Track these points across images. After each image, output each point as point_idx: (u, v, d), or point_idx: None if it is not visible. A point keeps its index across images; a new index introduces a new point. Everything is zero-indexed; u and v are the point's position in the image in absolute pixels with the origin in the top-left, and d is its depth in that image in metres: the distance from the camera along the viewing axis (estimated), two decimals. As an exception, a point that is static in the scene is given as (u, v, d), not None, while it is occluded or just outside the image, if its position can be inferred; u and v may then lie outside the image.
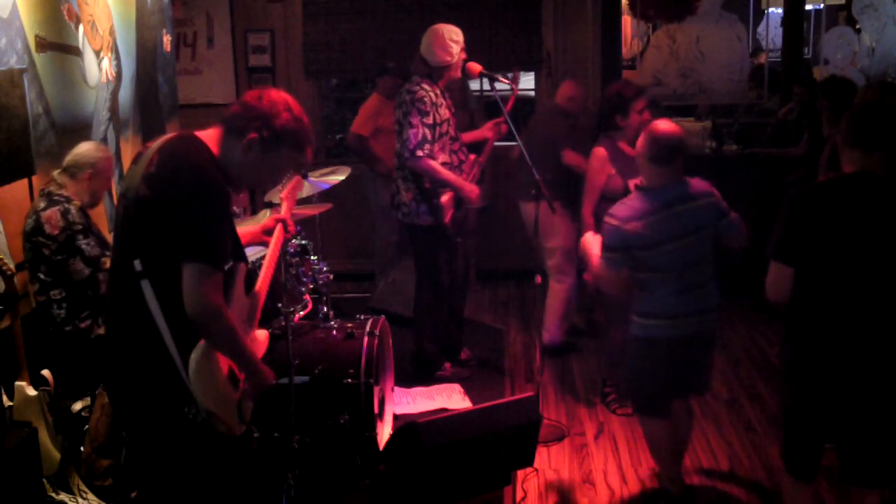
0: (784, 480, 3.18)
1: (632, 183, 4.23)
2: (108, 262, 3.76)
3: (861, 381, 2.86)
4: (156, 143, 2.50)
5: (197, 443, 2.49)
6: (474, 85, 7.15)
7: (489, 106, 7.20)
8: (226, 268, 2.44)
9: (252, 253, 3.80)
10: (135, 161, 2.52)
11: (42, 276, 3.75)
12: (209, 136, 2.52)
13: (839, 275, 2.84)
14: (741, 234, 3.51)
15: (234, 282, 2.56)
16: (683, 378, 3.58)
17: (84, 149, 3.95)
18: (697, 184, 3.50)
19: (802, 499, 3.09)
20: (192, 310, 2.32)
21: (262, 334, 2.74)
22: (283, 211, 3.04)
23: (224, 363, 2.49)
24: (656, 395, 3.56)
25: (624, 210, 3.42)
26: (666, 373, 3.50)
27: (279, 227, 2.96)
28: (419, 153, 4.62)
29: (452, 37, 4.72)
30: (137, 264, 2.39)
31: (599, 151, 4.34)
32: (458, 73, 4.83)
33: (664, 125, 3.48)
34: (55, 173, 3.90)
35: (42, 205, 3.77)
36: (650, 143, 3.42)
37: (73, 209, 3.79)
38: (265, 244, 2.98)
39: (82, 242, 3.76)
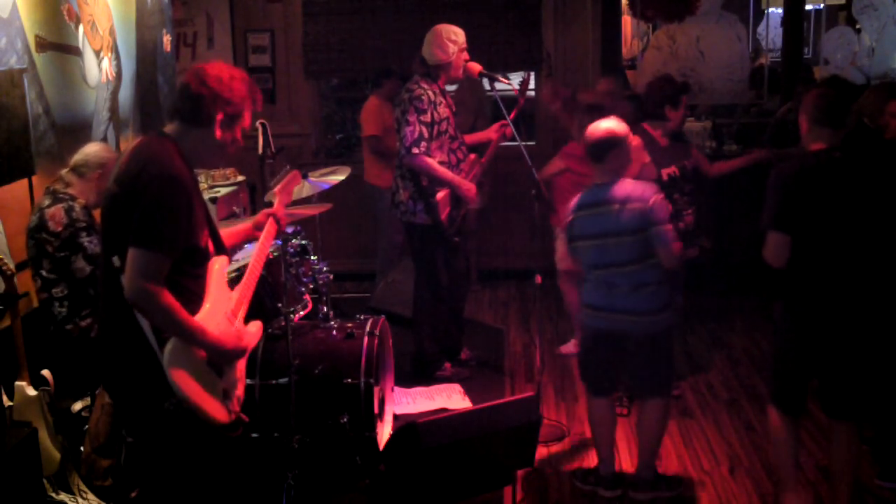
0: (771, 416, 3.55)
1: (665, 172, 4.27)
2: None
3: (844, 326, 3.31)
4: (129, 146, 2.62)
5: (180, 433, 2.54)
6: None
7: (490, 105, 7.20)
8: (176, 254, 2.47)
9: (246, 255, 3.80)
10: (115, 164, 2.62)
11: (44, 273, 3.76)
12: (171, 131, 2.62)
13: (826, 236, 3.28)
14: (668, 251, 3.57)
15: (214, 274, 2.62)
16: (620, 371, 3.83)
17: (94, 149, 3.96)
18: (630, 187, 3.60)
19: (786, 431, 3.50)
20: (127, 293, 2.41)
21: (254, 326, 2.78)
22: (276, 206, 3.06)
23: (203, 353, 2.53)
24: (595, 377, 3.84)
25: (572, 202, 3.72)
26: (601, 359, 3.79)
27: (270, 221, 2.98)
28: (415, 150, 4.63)
29: (450, 36, 4.73)
30: (115, 260, 2.47)
31: (635, 140, 4.42)
32: (459, 73, 4.85)
33: (601, 124, 3.67)
34: (63, 172, 3.91)
35: (47, 202, 3.79)
36: (586, 141, 3.67)
37: (77, 207, 3.80)
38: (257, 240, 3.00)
39: (85, 240, 3.77)
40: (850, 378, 3.37)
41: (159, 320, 2.44)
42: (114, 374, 2.59)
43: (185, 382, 2.45)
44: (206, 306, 2.56)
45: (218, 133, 2.59)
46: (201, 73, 2.57)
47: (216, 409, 2.54)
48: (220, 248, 2.72)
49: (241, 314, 2.73)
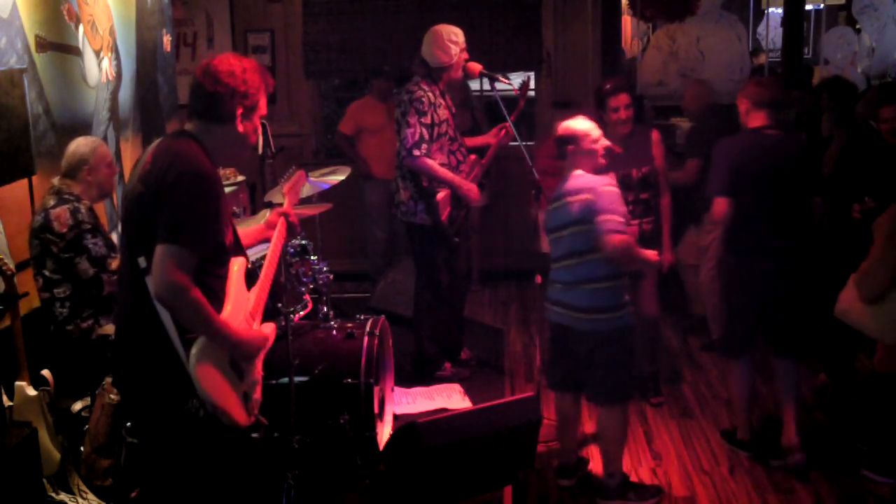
0: (731, 369, 4.15)
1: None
2: (113, 263, 3.77)
3: (774, 274, 3.89)
4: (152, 145, 2.60)
5: (202, 436, 2.53)
6: (474, 84, 7.16)
7: (490, 105, 7.21)
8: (205, 250, 2.46)
9: (254, 252, 3.80)
10: (135, 165, 2.61)
11: (47, 273, 3.75)
12: (192, 130, 2.61)
13: (762, 197, 3.86)
14: (603, 241, 3.51)
15: (233, 275, 2.61)
16: (574, 369, 3.79)
17: (73, 148, 3.91)
18: (582, 179, 3.64)
19: (740, 372, 4.09)
20: (156, 289, 2.39)
21: (269, 327, 2.77)
22: (286, 205, 3.06)
23: (226, 355, 2.53)
24: (553, 371, 3.93)
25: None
26: (558, 354, 3.86)
27: (281, 220, 2.98)
28: (416, 152, 4.63)
29: (451, 37, 4.73)
30: (142, 261, 2.45)
31: None
32: (459, 74, 4.85)
33: (565, 122, 3.73)
34: (55, 180, 3.87)
35: (52, 202, 3.78)
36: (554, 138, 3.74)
37: (82, 208, 3.79)
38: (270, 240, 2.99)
39: (90, 242, 3.76)
40: (786, 317, 3.96)
41: (188, 316, 2.42)
42: (132, 375, 2.57)
43: (211, 384, 2.45)
44: (228, 307, 2.55)
45: (240, 127, 2.59)
46: (213, 70, 2.55)
47: (238, 412, 2.54)
48: (240, 249, 2.72)
49: (259, 315, 2.74)
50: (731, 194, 3.88)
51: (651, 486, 3.87)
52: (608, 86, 4.44)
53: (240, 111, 2.57)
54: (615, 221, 3.49)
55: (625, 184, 4.29)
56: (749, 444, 4.15)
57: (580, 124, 3.72)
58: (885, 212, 3.75)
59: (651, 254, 3.66)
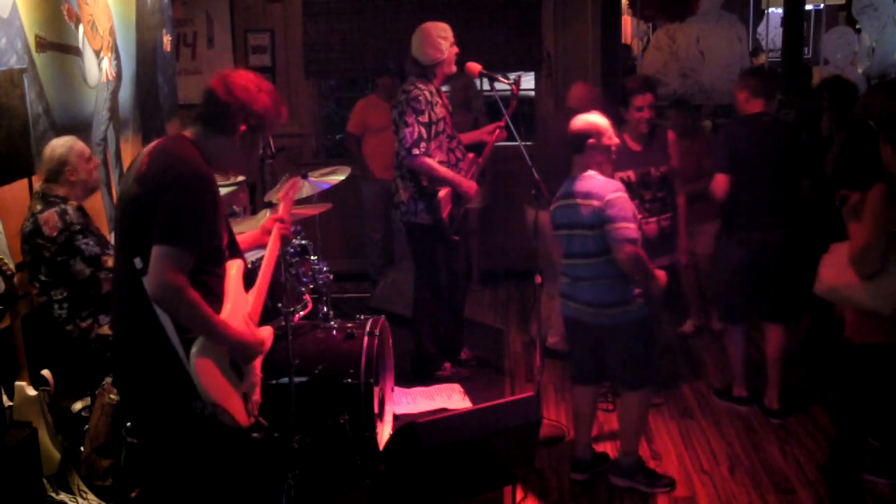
0: (727, 333, 4.66)
1: (618, 175, 4.19)
2: (109, 261, 3.76)
3: (766, 246, 4.35)
4: (148, 147, 2.61)
5: (203, 436, 2.54)
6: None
7: (489, 106, 7.20)
8: (200, 251, 2.47)
9: (253, 255, 3.80)
10: (130, 166, 2.62)
11: (42, 278, 3.74)
12: (192, 135, 2.62)
13: (758, 175, 4.33)
14: (617, 250, 3.57)
15: (231, 277, 2.61)
16: (594, 362, 3.89)
17: (49, 152, 3.84)
18: (591, 183, 3.65)
19: (739, 340, 4.59)
20: (151, 290, 2.40)
21: (266, 330, 2.78)
22: (281, 211, 3.08)
23: (226, 355, 2.53)
24: (574, 364, 4.01)
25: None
26: (576, 348, 3.96)
27: (277, 226, 2.99)
28: (415, 151, 4.63)
29: (440, 33, 4.75)
30: (138, 262, 2.46)
31: None
32: (453, 68, 4.85)
33: (583, 116, 3.73)
34: (38, 186, 3.84)
35: (39, 207, 3.75)
36: (569, 131, 3.73)
37: (70, 210, 3.77)
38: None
39: (81, 242, 3.75)
40: (778, 284, 4.41)
41: (185, 316, 2.43)
42: (131, 376, 2.58)
43: (211, 383, 2.46)
44: (227, 307, 2.57)
45: (238, 143, 2.60)
46: (229, 81, 2.58)
47: (238, 411, 2.55)
48: (237, 252, 2.73)
49: (257, 318, 2.75)
50: (731, 172, 4.31)
51: (664, 476, 3.93)
52: (634, 84, 4.47)
53: (243, 128, 2.58)
54: (629, 230, 3.57)
55: (644, 182, 4.37)
56: (746, 399, 4.63)
57: (602, 119, 3.74)
58: (870, 191, 3.73)
59: (661, 275, 3.71)
